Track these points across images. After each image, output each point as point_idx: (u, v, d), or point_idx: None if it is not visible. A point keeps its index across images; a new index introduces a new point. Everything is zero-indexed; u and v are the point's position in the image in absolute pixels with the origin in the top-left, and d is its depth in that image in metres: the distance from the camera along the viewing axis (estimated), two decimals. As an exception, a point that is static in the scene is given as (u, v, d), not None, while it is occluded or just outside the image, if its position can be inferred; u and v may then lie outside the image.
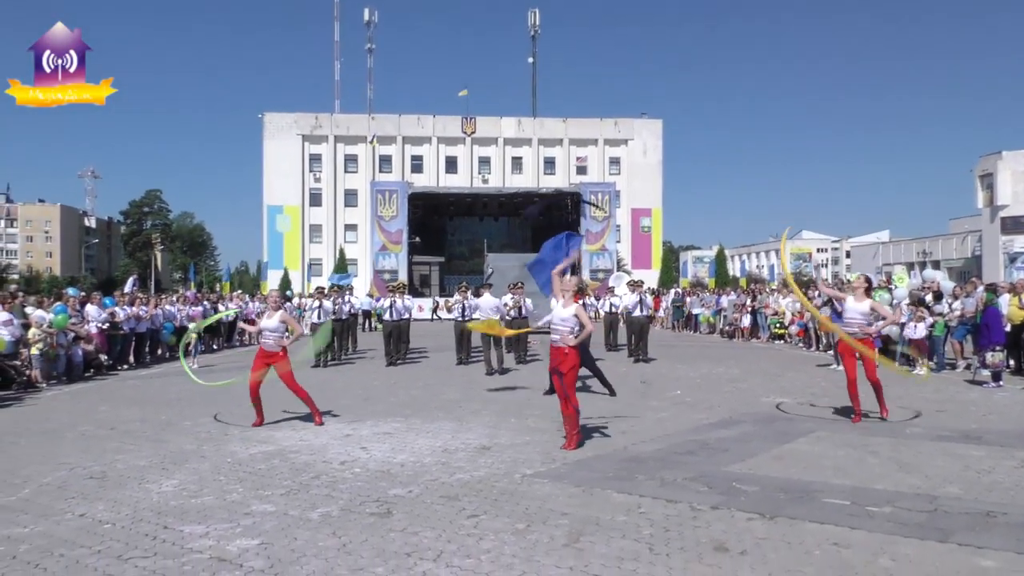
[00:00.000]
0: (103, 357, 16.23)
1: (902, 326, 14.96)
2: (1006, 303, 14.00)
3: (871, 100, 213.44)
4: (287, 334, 9.61)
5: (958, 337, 14.93)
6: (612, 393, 11.52)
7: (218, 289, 34.18)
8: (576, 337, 7.96)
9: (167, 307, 20.16)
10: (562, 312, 8.09)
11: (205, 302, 23.07)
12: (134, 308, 17.75)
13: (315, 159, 72.06)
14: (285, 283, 59.84)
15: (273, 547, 4.98)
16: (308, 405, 9.57)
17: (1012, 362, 13.94)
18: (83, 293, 18.47)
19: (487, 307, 15.43)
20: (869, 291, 9.84)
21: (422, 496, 6.15)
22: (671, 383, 13.32)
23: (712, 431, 8.86)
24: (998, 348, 12.57)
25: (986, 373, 12.69)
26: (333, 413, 10.25)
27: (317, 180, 71.88)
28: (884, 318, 10.09)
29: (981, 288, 15.00)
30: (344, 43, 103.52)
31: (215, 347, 22.32)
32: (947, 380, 13.48)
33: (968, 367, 14.35)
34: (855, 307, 9.55)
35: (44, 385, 13.80)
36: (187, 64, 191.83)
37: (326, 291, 19.00)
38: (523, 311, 16.45)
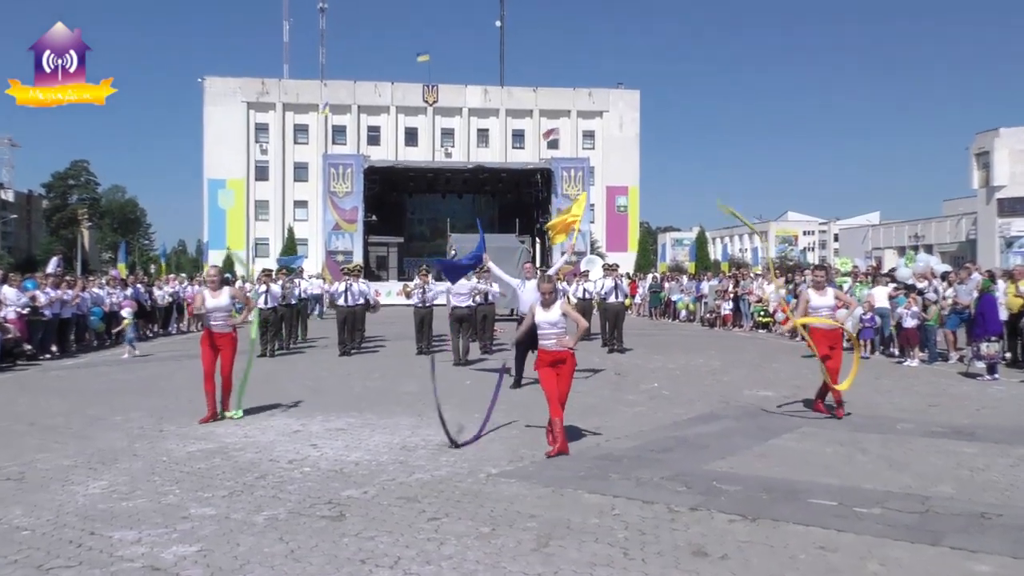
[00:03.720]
0: (26, 346, 15.92)
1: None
2: (1003, 291, 14.28)
3: (861, 74, 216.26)
4: (234, 313, 9.74)
5: (951, 327, 15.21)
6: (516, 384, 11.79)
7: (152, 270, 33.66)
8: (574, 338, 7.88)
9: (95, 290, 19.80)
10: (547, 315, 7.89)
11: (138, 285, 22.69)
12: (58, 291, 17.40)
13: (261, 129, 71.08)
14: (227, 265, 59.13)
15: (214, 554, 4.92)
16: (225, 394, 9.54)
17: (1008, 353, 14.25)
18: None
19: (462, 290, 15.49)
20: (829, 281, 10.14)
21: (378, 498, 6.12)
22: (647, 375, 13.41)
23: (691, 427, 8.94)
24: (994, 339, 12.83)
25: (981, 365, 12.95)
26: (281, 407, 10.17)
27: (264, 152, 70.95)
28: (848, 306, 10.76)
29: (977, 274, 15.29)
30: (294, 1, 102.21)
31: (149, 335, 22.00)
32: (939, 372, 13.74)
33: (961, 359, 14.64)
34: (821, 302, 9.75)
35: (-43, 376, 13.50)
36: (119, 21, 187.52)
37: (274, 274, 18.79)
38: (490, 296, 16.60)
